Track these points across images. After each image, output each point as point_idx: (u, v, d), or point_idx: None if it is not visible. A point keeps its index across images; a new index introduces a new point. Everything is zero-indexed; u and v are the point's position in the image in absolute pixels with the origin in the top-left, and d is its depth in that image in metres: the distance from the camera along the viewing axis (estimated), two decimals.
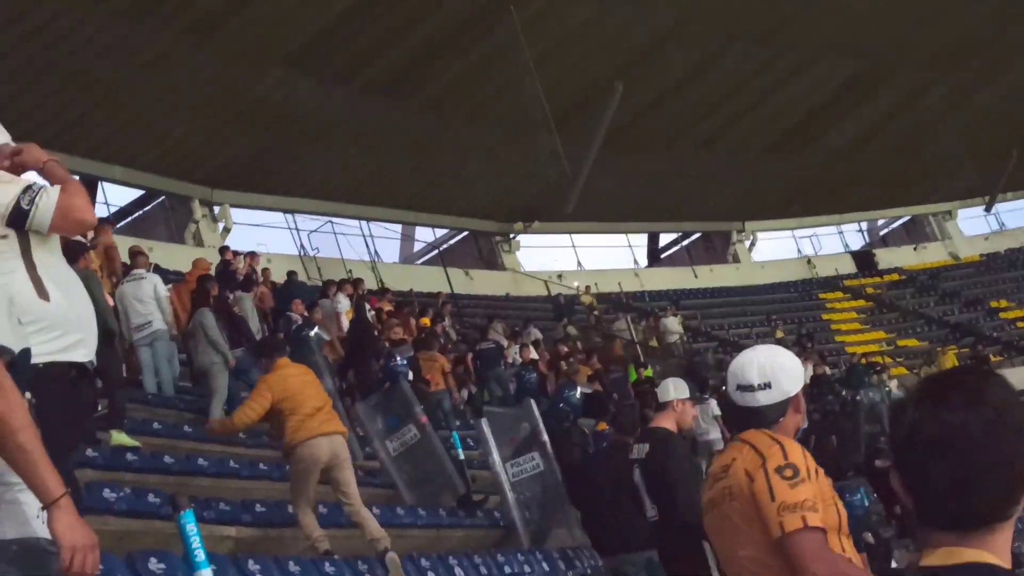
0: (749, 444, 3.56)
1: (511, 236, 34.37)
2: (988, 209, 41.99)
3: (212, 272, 15.72)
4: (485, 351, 19.68)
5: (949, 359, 29.17)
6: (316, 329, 14.96)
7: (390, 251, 33.17)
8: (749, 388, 3.77)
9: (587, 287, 32.13)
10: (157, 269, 16.11)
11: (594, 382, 19.49)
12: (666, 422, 7.58)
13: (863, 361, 28.20)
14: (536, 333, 23.85)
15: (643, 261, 39.00)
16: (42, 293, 3.32)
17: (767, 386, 3.76)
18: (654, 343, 25.98)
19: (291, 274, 20.44)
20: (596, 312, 29.53)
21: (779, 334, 30.54)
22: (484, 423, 12.31)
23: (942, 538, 1.81)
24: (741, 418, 3.79)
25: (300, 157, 27.70)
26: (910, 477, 1.84)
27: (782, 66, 31.48)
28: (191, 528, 5.00)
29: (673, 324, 27.35)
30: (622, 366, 22.30)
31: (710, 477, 3.79)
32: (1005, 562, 1.80)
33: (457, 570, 9.40)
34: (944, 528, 1.82)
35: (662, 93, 30.45)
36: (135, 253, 13.52)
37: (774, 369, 3.79)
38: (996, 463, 1.76)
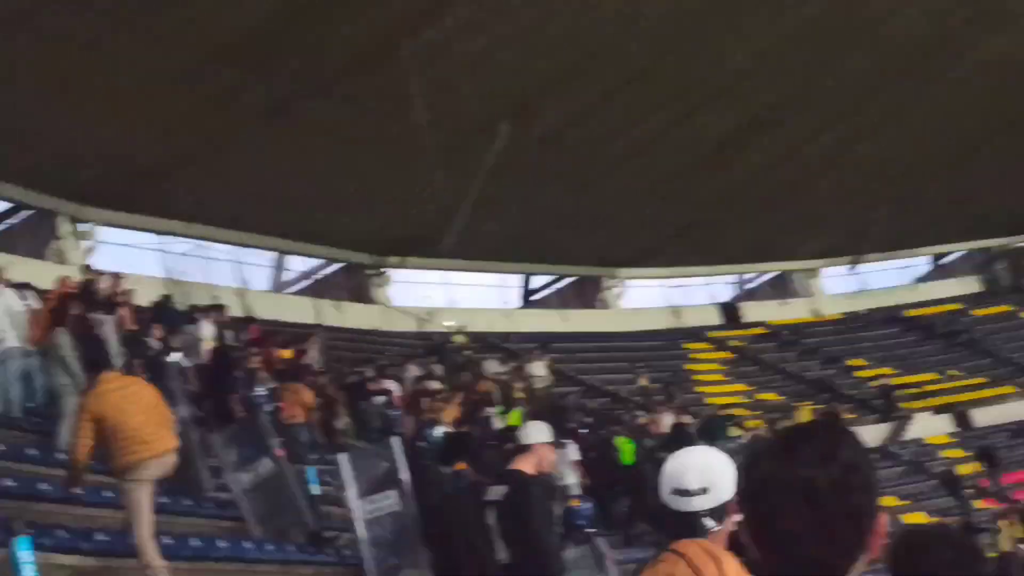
0: (684, 559, 3.28)
1: (381, 271, 34.22)
2: (852, 268, 43.17)
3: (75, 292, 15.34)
4: (355, 384, 19.55)
5: (805, 414, 29.85)
6: (177, 355, 14.72)
7: (261, 279, 32.78)
8: (685, 493, 3.65)
9: (460, 326, 32.11)
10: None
11: (458, 422, 19.50)
12: (526, 465, 7.58)
13: (719, 413, 28.69)
14: (414, 371, 23.69)
15: (515, 302, 39.19)
16: None
17: (704, 491, 3.63)
18: (519, 387, 26.05)
19: (165, 298, 20.02)
20: (467, 352, 29.52)
21: (643, 381, 30.89)
22: (344, 459, 12.22)
23: None
24: (676, 524, 3.65)
25: (173, 177, 27.21)
26: (759, 527, 1.87)
27: (665, 114, 32.03)
28: (24, 556, 4.83)
29: (539, 368, 27.47)
30: (487, 407, 22.32)
31: None
32: None
33: None
34: None
35: (547, 133, 30.70)
36: None
37: (711, 473, 3.68)
38: (844, 515, 1.82)
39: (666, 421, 24.29)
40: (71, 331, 13.17)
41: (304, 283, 33.73)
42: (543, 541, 7.32)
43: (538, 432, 7.73)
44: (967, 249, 47.16)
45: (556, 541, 8.07)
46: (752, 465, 1.93)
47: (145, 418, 8.69)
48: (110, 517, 10.06)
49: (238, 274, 30.45)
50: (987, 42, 33.49)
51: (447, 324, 32.38)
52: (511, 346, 32.16)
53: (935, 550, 2.66)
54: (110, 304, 16.25)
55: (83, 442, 8.66)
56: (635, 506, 18.88)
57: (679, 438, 22.78)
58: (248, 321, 22.17)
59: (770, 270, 44.51)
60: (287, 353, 19.44)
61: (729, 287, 44.63)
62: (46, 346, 12.81)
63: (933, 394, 36.27)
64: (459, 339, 30.73)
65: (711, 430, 25.64)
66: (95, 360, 10.09)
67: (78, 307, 14.12)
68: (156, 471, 8.64)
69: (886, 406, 35.17)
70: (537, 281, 40.35)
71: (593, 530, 15.75)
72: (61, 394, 11.99)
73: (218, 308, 20.12)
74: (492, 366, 26.12)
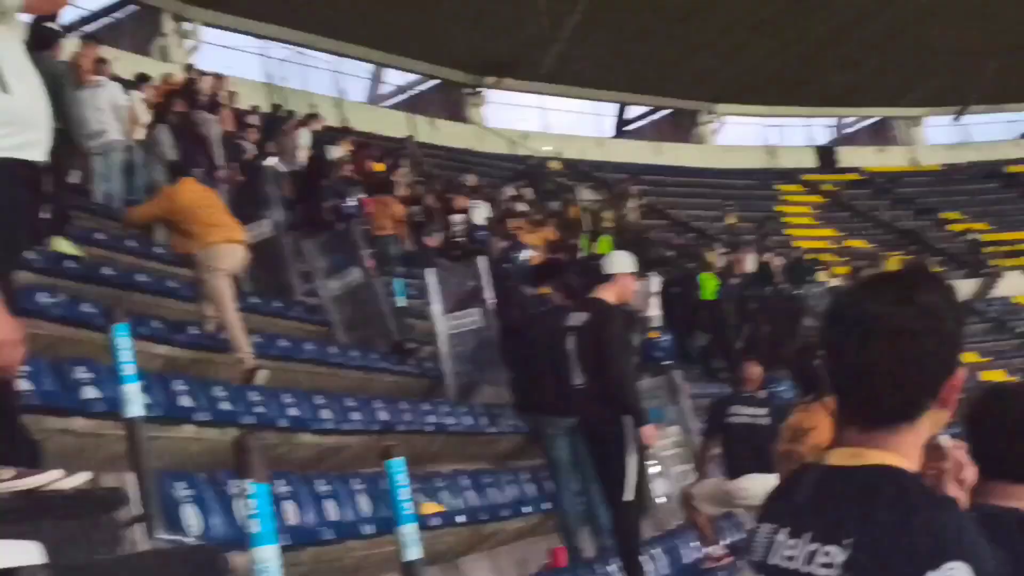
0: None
1: (478, 90, 34.03)
2: (957, 119, 42.02)
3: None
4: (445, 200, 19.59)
5: (893, 264, 29.52)
6: (273, 160, 14.90)
7: (357, 90, 32.79)
8: None
9: (556, 152, 31.89)
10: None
11: (546, 247, 19.63)
12: (607, 294, 7.68)
13: (806, 257, 28.51)
14: (506, 192, 23.63)
15: (609, 131, 38.85)
16: (1, 83, 3.04)
17: None
18: (608, 216, 25.98)
19: (275, 107, 20.03)
20: (560, 178, 29.37)
21: (730, 220, 30.67)
22: (431, 273, 12.41)
23: (851, 437, 1.87)
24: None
25: None
26: (834, 362, 1.90)
27: None
28: (123, 341, 5.01)
29: (631, 199, 27.29)
30: (576, 233, 22.35)
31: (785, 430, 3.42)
32: (912, 466, 1.84)
33: (381, 413, 9.57)
34: (852, 422, 1.88)
35: None
36: (96, 60, 13.26)
37: None
38: (909, 360, 1.82)
39: (750, 260, 24.22)
40: (172, 128, 13.38)
41: (400, 97, 33.66)
42: (619, 368, 7.47)
43: (622, 262, 7.80)
44: None
45: (632, 370, 8.22)
46: (834, 302, 1.95)
47: (217, 211, 9.22)
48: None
49: (336, 84, 30.45)
50: None
51: (544, 149, 32.16)
52: (602, 175, 32.02)
53: (1014, 407, 2.63)
54: (212, 104, 16.42)
55: (140, 212, 9.75)
56: (714, 342, 19.01)
57: (763, 278, 22.84)
58: (344, 131, 22.27)
59: (870, 115, 43.45)
60: (380, 166, 19.53)
61: (827, 130, 43.77)
62: (147, 141, 13.02)
63: None
64: (555, 165, 30.59)
65: (797, 273, 25.56)
66: (178, 165, 10.43)
67: (181, 105, 14.28)
68: (230, 260, 8.99)
69: (973, 261, 34.61)
70: (632, 112, 39.87)
71: (670, 362, 15.92)
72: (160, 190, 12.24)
73: (315, 116, 20.22)
74: (584, 194, 26.01)
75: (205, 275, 8.98)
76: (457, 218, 18.67)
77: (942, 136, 43.78)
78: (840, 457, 1.86)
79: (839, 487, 1.83)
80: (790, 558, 1.84)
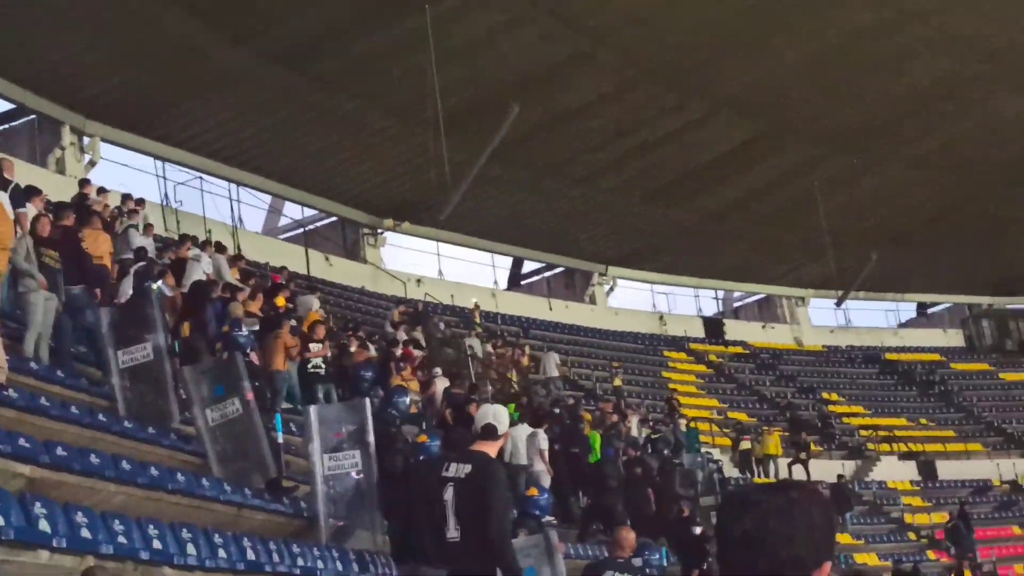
0: None
1: (379, 231, 34.13)
2: (839, 303, 43.26)
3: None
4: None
5: (774, 439, 29.92)
6: (160, 282, 14.62)
7: (255, 220, 32.65)
8: None
9: (476, 303, 32.07)
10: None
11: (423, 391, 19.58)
12: (490, 449, 7.58)
13: (693, 425, 28.74)
14: (399, 336, 23.54)
15: (503, 283, 39.13)
16: None
17: None
18: (504, 370, 25.97)
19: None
20: (448, 328, 29.35)
21: (617, 382, 30.88)
22: (312, 411, 12.16)
23: None
24: None
25: (183, 106, 27.13)
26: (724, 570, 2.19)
27: (680, 116, 32.06)
28: None
29: (550, 362, 27.44)
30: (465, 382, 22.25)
31: None
32: None
33: (250, 552, 9.22)
34: None
35: (558, 118, 30.67)
36: None
37: None
38: (789, 563, 2.11)
39: (635, 423, 24.33)
40: (58, 244, 12.93)
41: (296, 231, 33.57)
42: (499, 523, 7.30)
43: (507, 420, 7.78)
44: (954, 302, 47.32)
45: (509, 527, 8.06)
46: (720, 514, 2.25)
47: None
48: (75, 433, 10.01)
49: (233, 212, 30.26)
50: (1001, 99, 33.67)
51: (473, 300, 32.25)
52: (492, 326, 32.12)
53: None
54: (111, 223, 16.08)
55: None
56: (594, 504, 18.88)
57: (649, 442, 22.92)
58: (237, 259, 22.06)
59: (759, 291, 44.55)
60: (281, 300, 19.32)
61: (716, 302, 44.67)
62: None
63: (901, 439, 36.36)
64: (477, 317, 30.68)
65: (687, 441, 25.81)
66: None
67: (70, 219, 13.94)
68: None
69: (852, 443, 35.23)
70: (527, 266, 40.29)
71: (548, 520, 15.73)
72: (26, 300, 11.81)
73: (209, 243, 20.05)
74: (476, 345, 26.01)
75: None
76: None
77: (825, 318, 45.02)
78: None
79: None
80: None
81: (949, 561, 27.93)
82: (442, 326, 27.51)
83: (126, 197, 21.15)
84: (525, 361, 26.75)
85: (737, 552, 2.15)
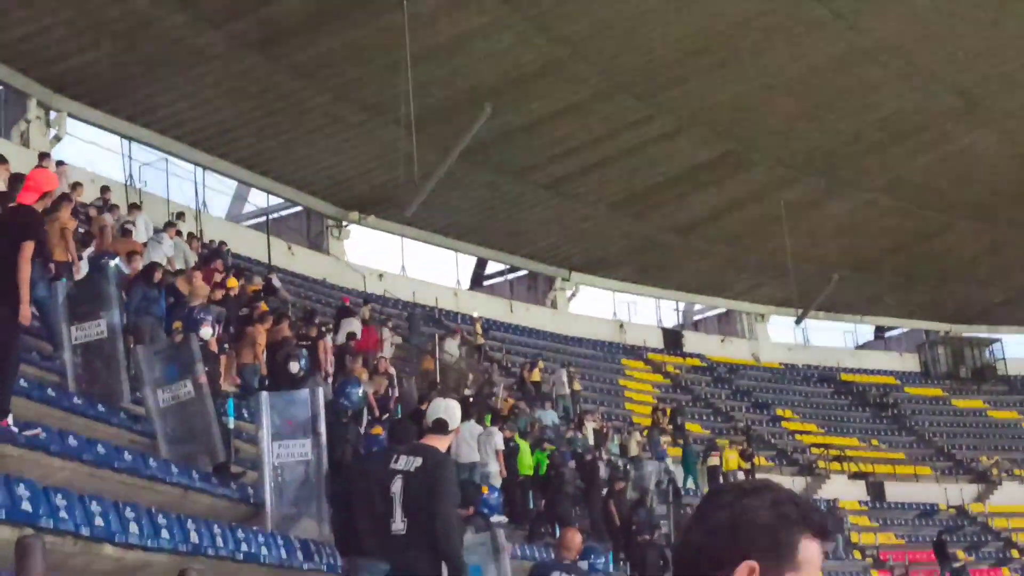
0: None
1: (343, 224, 34.02)
2: (798, 322, 43.58)
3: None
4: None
5: (733, 454, 30.18)
6: (117, 260, 14.50)
7: (219, 205, 32.46)
8: None
9: (478, 315, 32.31)
10: None
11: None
12: (441, 444, 7.58)
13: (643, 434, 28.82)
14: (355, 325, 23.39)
15: (465, 283, 39.11)
16: None
17: None
18: (463, 368, 25.99)
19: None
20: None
21: (576, 387, 30.87)
22: (264, 398, 12.09)
23: None
24: None
25: (152, 86, 26.91)
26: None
27: (650, 129, 32.19)
28: None
29: (452, 347, 27.27)
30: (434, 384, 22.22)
31: None
32: None
33: (194, 535, 9.15)
34: None
35: (529, 123, 30.72)
36: None
37: None
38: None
39: (591, 429, 24.40)
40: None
41: (260, 219, 33.40)
42: (447, 518, 7.29)
43: (458, 416, 7.81)
44: (911, 327, 47.73)
45: (458, 522, 8.05)
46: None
47: None
48: None
49: (197, 196, 30.05)
50: (970, 136, 34.12)
51: (476, 314, 32.47)
52: (453, 324, 32.11)
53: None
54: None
55: None
56: (546, 505, 18.88)
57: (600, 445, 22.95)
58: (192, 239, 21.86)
59: (719, 306, 44.76)
60: (233, 282, 19.14)
61: (675, 313, 44.83)
62: None
63: (852, 459, 36.64)
64: (478, 324, 30.91)
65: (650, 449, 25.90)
66: None
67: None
68: None
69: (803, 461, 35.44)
70: (491, 267, 40.28)
71: (498, 520, 15.71)
72: None
73: (173, 224, 19.90)
74: (451, 347, 25.91)
75: None
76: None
77: (784, 335, 45.28)
78: None
79: None
80: None
81: None
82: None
83: (105, 189, 21.11)
84: (536, 376, 26.76)
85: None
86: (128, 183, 27.22)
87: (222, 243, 24.57)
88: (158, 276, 14.35)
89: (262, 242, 29.28)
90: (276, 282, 22.98)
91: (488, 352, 30.84)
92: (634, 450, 26.79)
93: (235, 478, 11.95)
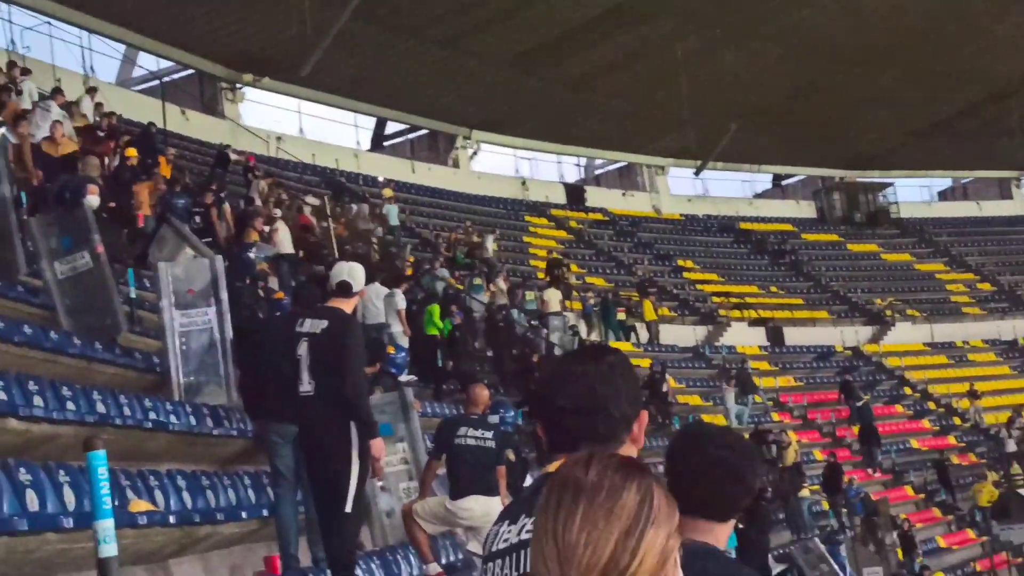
0: None
1: (237, 86, 33.27)
2: (697, 173, 43.97)
3: None
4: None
5: (647, 307, 30.85)
6: (4, 129, 14.09)
7: (108, 71, 31.49)
8: None
9: (391, 185, 31.89)
10: None
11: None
12: (346, 306, 7.62)
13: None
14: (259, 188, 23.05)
15: (365, 144, 38.68)
16: None
17: None
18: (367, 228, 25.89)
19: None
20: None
21: (492, 246, 30.97)
22: (164, 267, 11.95)
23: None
24: None
25: None
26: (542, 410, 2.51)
27: None
28: None
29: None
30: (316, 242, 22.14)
31: None
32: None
33: (100, 405, 9.11)
34: (561, 447, 2.40)
35: None
36: None
37: None
38: (608, 398, 2.43)
39: (501, 285, 24.62)
40: None
41: (152, 83, 32.49)
42: (355, 378, 7.38)
43: (362, 278, 7.84)
44: (807, 175, 48.45)
45: (365, 381, 8.13)
46: (544, 388, 2.53)
47: None
48: None
49: (84, 61, 29.13)
50: None
51: (382, 180, 32.05)
52: (354, 187, 31.87)
53: (709, 447, 2.76)
54: None
55: None
56: (453, 363, 19.08)
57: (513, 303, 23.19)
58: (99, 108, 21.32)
59: (619, 159, 44.93)
60: (132, 151, 18.71)
61: (577, 169, 44.93)
62: None
63: (752, 306, 37.49)
64: (388, 194, 30.42)
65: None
66: None
67: None
68: None
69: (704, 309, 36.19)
70: (391, 127, 39.85)
71: (407, 379, 15.92)
72: None
73: (59, 91, 19.32)
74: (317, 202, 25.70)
75: None
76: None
77: (684, 187, 45.69)
78: (555, 466, 2.24)
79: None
80: (506, 540, 2.35)
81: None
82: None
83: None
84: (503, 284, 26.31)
85: (570, 419, 2.41)
86: (10, 48, 26.25)
87: (151, 124, 23.96)
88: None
89: (155, 107, 28.54)
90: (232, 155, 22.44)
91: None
92: (555, 306, 27.08)
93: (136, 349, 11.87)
